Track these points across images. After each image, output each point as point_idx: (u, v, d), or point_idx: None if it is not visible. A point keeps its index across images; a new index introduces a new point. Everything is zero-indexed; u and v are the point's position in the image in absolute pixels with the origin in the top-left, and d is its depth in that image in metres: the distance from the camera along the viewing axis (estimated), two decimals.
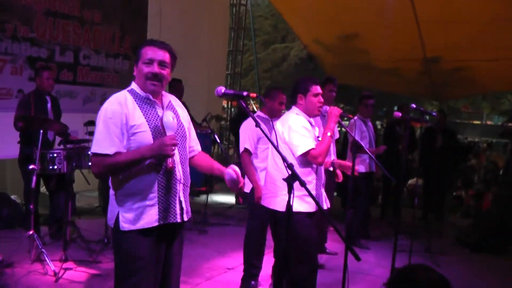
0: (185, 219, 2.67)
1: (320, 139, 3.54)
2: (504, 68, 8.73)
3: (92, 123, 5.56)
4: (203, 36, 9.94)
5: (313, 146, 3.42)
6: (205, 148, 7.38)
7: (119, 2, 7.77)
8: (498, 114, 23.98)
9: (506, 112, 21.32)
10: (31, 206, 4.66)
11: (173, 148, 2.47)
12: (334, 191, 5.86)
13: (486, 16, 7.28)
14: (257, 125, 2.56)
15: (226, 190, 8.54)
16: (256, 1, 19.24)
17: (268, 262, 4.46)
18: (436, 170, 7.82)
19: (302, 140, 3.43)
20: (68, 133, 5.27)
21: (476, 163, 11.15)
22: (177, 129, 2.61)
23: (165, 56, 2.59)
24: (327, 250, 5.64)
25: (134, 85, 2.63)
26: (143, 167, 2.50)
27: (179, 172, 2.60)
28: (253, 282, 4.36)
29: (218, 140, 6.92)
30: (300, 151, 3.41)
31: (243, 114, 6.81)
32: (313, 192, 3.41)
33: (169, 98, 2.73)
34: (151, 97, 2.59)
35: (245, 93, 2.67)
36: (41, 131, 4.60)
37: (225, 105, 12.77)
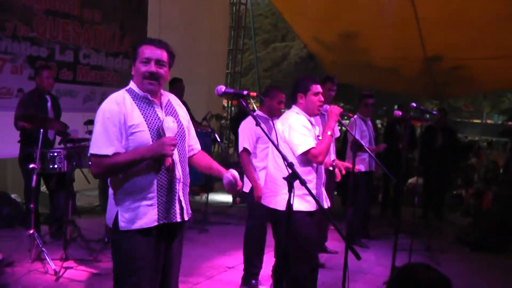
0: (186, 218, 2.66)
1: (320, 138, 3.55)
2: (504, 66, 8.74)
3: (92, 122, 5.55)
4: (203, 35, 9.93)
5: (314, 145, 3.42)
6: (205, 147, 7.40)
7: (119, 1, 7.77)
8: (498, 113, 23.95)
9: (506, 111, 21.29)
10: (32, 205, 4.66)
11: (173, 148, 2.46)
12: (334, 190, 5.86)
13: (486, 15, 7.29)
14: (257, 124, 2.56)
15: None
16: (256, 0, 19.23)
17: (268, 261, 4.46)
18: (436, 169, 7.83)
19: (302, 139, 3.43)
20: (68, 132, 5.27)
21: (476, 162, 11.14)
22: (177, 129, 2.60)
23: (162, 54, 2.57)
24: (328, 249, 5.64)
25: (132, 84, 2.62)
26: (142, 167, 2.49)
27: (178, 171, 2.59)
28: (253, 281, 4.37)
29: (219, 139, 6.92)
30: (300, 150, 3.41)
31: (243, 113, 6.81)
32: (314, 191, 3.41)
33: (168, 97, 2.72)
34: (149, 96, 2.57)
35: (245, 92, 2.67)
36: (41, 130, 4.60)
37: (225, 104, 12.77)
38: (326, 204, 3.69)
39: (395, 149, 7.14)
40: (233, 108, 12.22)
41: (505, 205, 6.75)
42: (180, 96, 6.46)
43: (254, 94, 2.77)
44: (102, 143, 2.47)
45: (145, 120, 2.52)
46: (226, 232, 6.31)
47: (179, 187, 2.60)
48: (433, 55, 9.18)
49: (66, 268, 4.43)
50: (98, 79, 7.46)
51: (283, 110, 4.25)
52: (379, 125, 15.06)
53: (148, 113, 2.55)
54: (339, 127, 6.28)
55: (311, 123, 3.59)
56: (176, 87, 6.49)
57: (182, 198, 2.63)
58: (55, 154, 4.97)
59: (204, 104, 9.39)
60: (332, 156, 4.66)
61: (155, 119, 2.55)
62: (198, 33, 9.78)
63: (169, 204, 2.57)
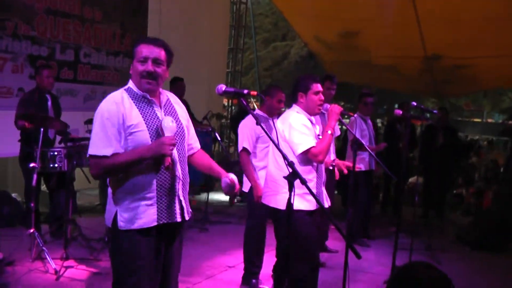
0: (186, 218, 2.65)
1: (320, 137, 3.55)
2: (504, 65, 8.75)
3: (92, 121, 5.55)
4: (203, 34, 9.93)
5: (314, 144, 3.42)
6: (206, 146, 7.43)
7: (119, 0, 7.77)
8: (499, 111, 23.96)
9: (507, 110, 21.31)
10: (32, 204, 4.66)
11: (172, 148, 2.45)
12: (335, 189, 5.86)
13: (486, 14, 7.28)
14: (258, 122, 2.56)
15: None
16: None
17: (269, 260, 4.47)
18: (436, 168, 7.82)
19: (302, 138, 3.43)
20: (68, 131, 5.27)
21: (477, 161, 11.14)
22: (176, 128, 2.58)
23: (160, 53, 2.54)
24: (328, 248, 5.65)
25: (131, 84, 2.60)
26: (142, 167, 2.48)
27: (178, 170, 2.58)
28: (254, 281, 4.37)
29: (219, 138, 6.92)
30: (300, 149, 3.41)
31: (243, 112, 6.81)
32: (314, 191, 3.41)
33: (167, 96, 2.70)
34: (148, 96, 2.55)
35: (245, 91, 2.67)
36: (42, 129, 4.60)
37: (226, 103, 12.77)
38: (327, 203, 3.69)
39: (395, 148, 7.14)
40: (233, 107, 12.22)
41: (505, 204, 6.75)
42: (180, 95, 6.46)
43: (255, 93, 2.77)
44: (100, 144, 2.46)
45: (144, 120, 2.50)
46: (227, 231, 6.31)
47: (178, 187, 2.59)
48: (434, 54, 9.18)
49: (67, 267, 4.43)
50: (99, 78, 7.46)
51: (283, 109, 4.25)
52: (379, 124, 15.08)
53: (147, 112, 2.53)
54: (340, 126, 6.27)
55: (311, 122, 3.59)
56: (177, 87, 6.50)
57: (182, 198, 2.61)
58: (56, 153, 4.97)
59: (205, 103, 9.39)
60: (332, 155, 4.66)
61: (154, 118, 2.53)
62: (198, 32, 9.77)
63: (169, 204, 2.56)
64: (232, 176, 2.67)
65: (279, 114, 4.08)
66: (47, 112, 5.32)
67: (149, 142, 2.48)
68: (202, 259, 5.11)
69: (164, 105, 2.63)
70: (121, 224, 2.50)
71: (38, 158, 4.65)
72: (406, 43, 9.01)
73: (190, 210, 2.73)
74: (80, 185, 6.44)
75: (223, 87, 2.66)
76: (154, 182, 2.51)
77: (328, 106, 3.66)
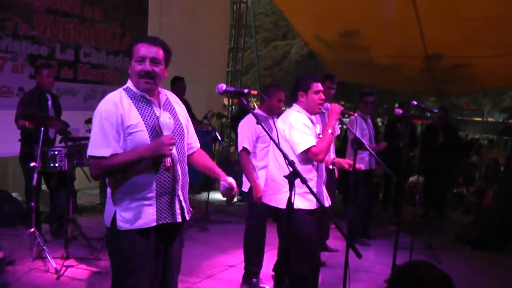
0: (187, 218, 2.64)
1: (321, 136, 3.55)
2: (504, 64, 8.74)
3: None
4: (203, 33, 9.93)
5: (314, 144, 3.42)
6: (206, 145, 7.43)
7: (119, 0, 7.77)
8: (499, 111, 23.95)
9: (507, 109, 21.30)
10: (32, 204, 4.66)
11: (171, 147, 2.44)
12: (336, 188, 5.86)
13: (487, 14, 7.27)
14: (258, 122, 2.56)
15: None
16: None
17: (269, 260, 4.47)
18: (437, 167, 7.82)
19: (303, 138, 3.43)
20: (68, 131, 5.27)
21: (477, 160, 11.15)
22: (175, 127, 2.56)
23: (158, 52, 2.52)
24: (329, 248, 5.64)
25: (129, 83, 2.58)
26: (141, 166, 2.47)
27: (177, 170, 2.57)
28: (254, 280, 4.37)
29: (219, 138, 6.92)
30: (301, 148, 3.41)
31: (244, 112, 6.81)
32: (314, 190, 3.41)
33: (166, 95, 2.69)
34: (147, 96, 2.54)
35: (246, 91, 2.67)
36: (42, 128, 4.60)
37: (226, 103, 12.77)
38: (327, 202, 3.69)
39: (395, 147, 7.13)
40: (234, 106, 12.22)
41: (505, 203, 6.75)
42: (181, 94, 6.46)
43: (255, 92, 2.76)
44: (99, 145, 2.45)
45: (143, 120, 2.49)
46: (227, 231, 6.31)
47: (178, 187, 2.58)
48: (434, 53, 9.18)
49: (67, 266, 4.43)
50: (99, 77, 7.46)
51: (283, 109, 4.25)
52: (380, 123, 15.09)
53: (146, 112, 2.52)
54: (340, 125, 6.27)
55: (311, 121, 3.59)
56: (178, 86, 6.49)
57: (181, 198, 2.60)
58: (56, 152, 4.97)
59: (205, 103, 9.39)
60: (332, 155, 4.67)
61: (153, 118, 2.52)
62: (198, 32, 9.77)
63: (169, 204, 2.55)
64: (231, 180, 2.66)
65: (279, 113, 4.08)
66: (47, 111, 5.32)
67: (148, 142, 2.47)
68: (202, 259, 5.11)
69: (163, 105, 2.62)
70: (120, 224, 2.49)
71: (38, 158, 4.65)
72: (407, 42, 9.01)
73: (191, 209, 2.72)
74: (80, 184, 6.45)
75: (223, 86, 2.66)
76: (154, 182, 2.50)
77: (329, 105, 3.66)
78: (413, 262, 1.96)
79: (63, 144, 5.17)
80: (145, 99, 2.55)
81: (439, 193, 8.08)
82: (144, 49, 2.51)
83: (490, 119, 26.57)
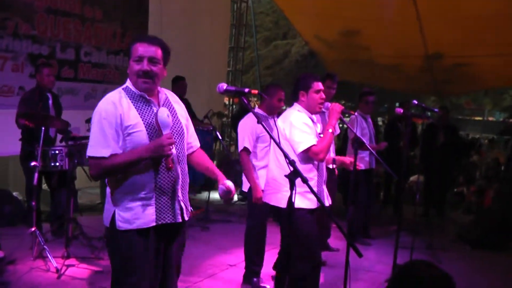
0: (186, 218, 2.63)
1: (321, 135, 3.55)
2: (505, 64, 8.74)
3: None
4: (204, 33, 9.92)
5: (315, 143, 3.43)
6: (207, 144, 7.43)
7: None
8: (500, 110, 23.92)
9: (508, 108, 21.28)
10: (33, 203, 4.66)
11: (171, 147, 2.43)
12: (336, 188, 5.87)
13: (487, 12, 7.27)
14: (259, 121, 2.56)
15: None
16: None
17: (270, 259, 4.47)
18: (437, 166, 7.82)
19: (303, 137, 3.43)
20: (69, 130, 5.27)
21: (478, 160, 11.14)
22: (174, 126, 2.56)
23: (156, 52, 2.51)
24: (330, 247, 5.64)
25: (128, 83, 2.58)
26: (141, 166, 2.46)
27: (177, 170, 2.56)
28: (255, 279, 4.37)
29: (220, 137, 6.92)
30: (301, 147, 3.41)
31: (244, 111, 6.81)
32: (315, 189, 3.41)
33: (166, 94, 2.68)
34: (146, 95, 2.53)
35: (246, 90, 2.67)
36: (43, 128, 4.60)
37: (227, 102, 12.76)
38: (328, 201, 3.69)
39: (396, 146, 7.13)
40: (234, 106, 12.21)
41: (506, 202, 6.74)
42: (182, 94, 6.47)
43: (256, 92, 2.77)
44: (98, 145, 2.45)
45: (142, 120, 2.48)
46: (227, 230, 6.32)
47: (178, 187, 2.57)
48: (434, 53, 9.17)
49: (68, 266, 4.43)
50: (100, 77, 7.47)
51: (283, 108, 4.24)
52: (380, 123, 15.08)
53: (145, 112, 2.51)
54: (340, 125, 6.27)
55: (312, 120, 3.60)
56: (179, 85, 6.50)
57: (181, 198, 2.59)
58: (57, 152, 4.98)
59: (205, 102, 9.38)
60: (332, 154, 4.67)
61: (152, 118, 2.50)
62: (199, 31, 9.77)
63: (169, 204, 2.54)
64: (229, 184, 2.65)
65: (279, 113, 4.08)
66: (48, 110, 5.32)
67: (147, 142, 2.46)
68: (203, 258, 5.11)
69: (163, 104, 2.61)
70: (119, 224, 2.49)
71: (39, 157, 4.66)
72: (407, 42, 9.00)
73: (191, 209, 2.71)
74: (81, 183, 6.45)
75: (224, 85, 2.66)
76: (153, 182, 2.49)
77: (329, 104, 3.66)
78: (413, 261, 1.95)
79: (63, 143, 5.17)
80: (144, 98, 2.54)
81: (439, 192, 8.07)
82: (142, 49, 2.50)
83: (490, 119, 26.55)
